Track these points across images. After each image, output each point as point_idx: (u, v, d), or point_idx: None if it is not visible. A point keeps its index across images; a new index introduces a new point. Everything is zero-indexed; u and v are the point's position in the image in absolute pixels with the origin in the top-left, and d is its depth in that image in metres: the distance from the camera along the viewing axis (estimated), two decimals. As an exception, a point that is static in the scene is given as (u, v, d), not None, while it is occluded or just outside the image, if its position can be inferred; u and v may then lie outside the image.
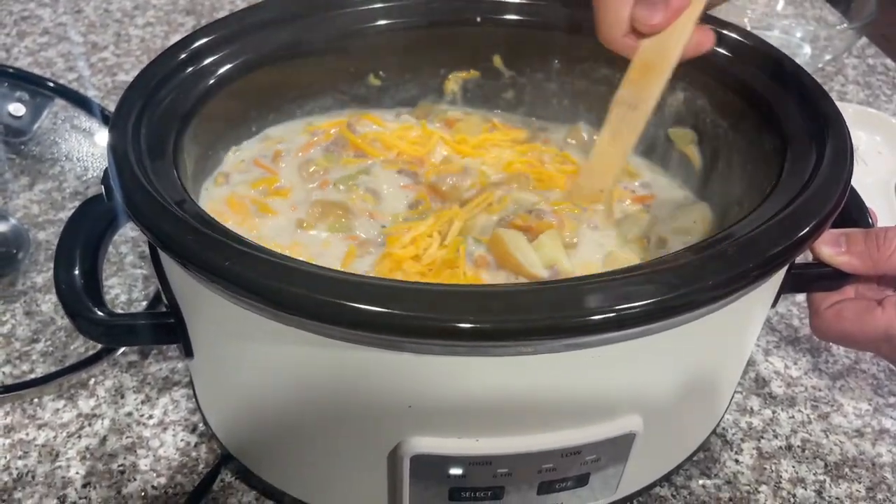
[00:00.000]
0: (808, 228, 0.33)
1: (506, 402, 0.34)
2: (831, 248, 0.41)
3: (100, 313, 0.38)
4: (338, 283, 0.30)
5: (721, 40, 0.47)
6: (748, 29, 0.76)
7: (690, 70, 0.48)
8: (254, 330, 0.34)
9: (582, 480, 0.39)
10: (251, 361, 0.36)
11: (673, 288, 0.30)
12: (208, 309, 0.36)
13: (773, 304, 0.43)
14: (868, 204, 0.47)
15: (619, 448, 0.37)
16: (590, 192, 0.47)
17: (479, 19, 0.51)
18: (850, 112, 0.74)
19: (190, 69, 0.42)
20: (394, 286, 0.30)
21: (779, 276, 0.40)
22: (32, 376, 0.50)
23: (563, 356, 0.32)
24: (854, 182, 0.45)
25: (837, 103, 0.77)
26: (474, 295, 0.30)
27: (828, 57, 0.77)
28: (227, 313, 0.34)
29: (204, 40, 0.43)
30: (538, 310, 0.29)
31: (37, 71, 0.79)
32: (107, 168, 0.37)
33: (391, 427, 0.35)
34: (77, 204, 0.43)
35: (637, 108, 0.43)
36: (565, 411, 0.35)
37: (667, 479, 0.45)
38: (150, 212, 0.33)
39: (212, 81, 0.42)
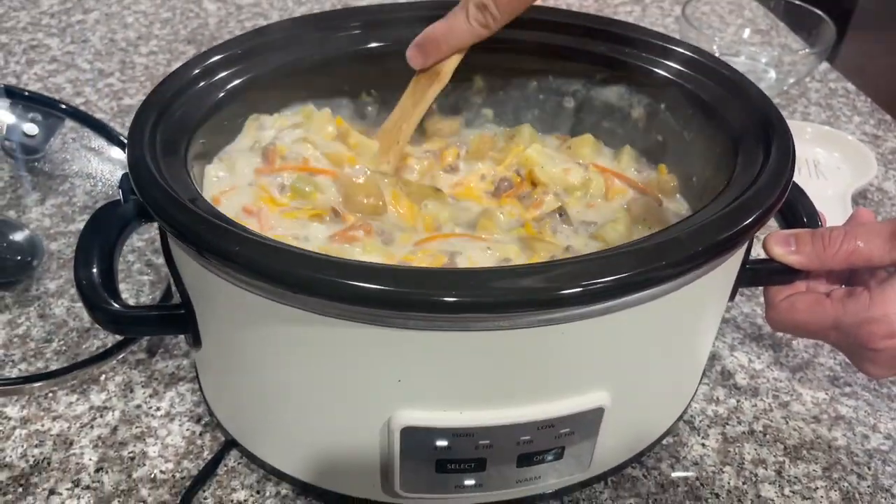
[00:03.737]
0: (750, 219, 0.38)
1: (484, 375, 0.38)
2: (782, 247, 0.46)
3: (116, 305, 0.42)
4: (336, 265, 0.34)
5: (684, 61, 0.52)
6: (717, 55, 0.82)
7: (657, 89, 0.54)
8: (258, 312, 0.38)
9: (558, 454, 0.42)
10: (255, 344, 0.40)
11: (632, 267, 0.34)
12: (217, 296, 0.40)
13: (732, 297, 0.48)
14: (827, 215, 0.51)
15: (589, 422, 0.41)
16: (387, 145, 0.53)
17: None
18: (810, 131, 0.80)
19: (201, 84, 0.46)
20: (385, 267, 0.34)
21: (733, 268, 0.45)
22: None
23: (533, 332, 0.36)
24: (814, 194, 0.50)
25: (800, 123, 0.83)
26: (455, 273, 0.34)
27: (792, 80, 0.82)
28: (234, 299, 0.38)
29: (214, 58, 0.48)
30: (511, 284, 0.33)
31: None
32: (125, 172, 0.41)
33: (383, 401, 0.39)
34: (86, 217, 0.47)
35: (433, 83, 0.51)
36: (538, 385, 0.39)
37: (637, 460, 0.49)
38: (168, 207, 0.37)
39: (221, 94, 0.47)
